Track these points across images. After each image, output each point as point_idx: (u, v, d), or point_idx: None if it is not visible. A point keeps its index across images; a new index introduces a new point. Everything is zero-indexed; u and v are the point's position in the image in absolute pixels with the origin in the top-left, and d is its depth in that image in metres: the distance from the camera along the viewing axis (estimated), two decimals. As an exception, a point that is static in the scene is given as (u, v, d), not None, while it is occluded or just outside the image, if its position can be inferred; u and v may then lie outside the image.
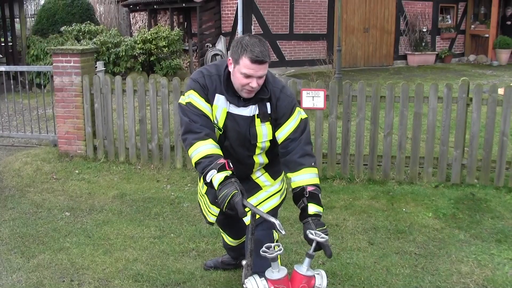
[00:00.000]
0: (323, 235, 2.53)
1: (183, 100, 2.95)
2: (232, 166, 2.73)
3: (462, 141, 5.96)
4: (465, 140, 6.00)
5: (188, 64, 14.01)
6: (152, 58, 12.60)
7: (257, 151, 3.04)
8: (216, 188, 2.68)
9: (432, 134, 5.97)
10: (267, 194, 3.19)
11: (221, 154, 2.81)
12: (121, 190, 5.78)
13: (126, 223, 4.87)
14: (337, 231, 4.72)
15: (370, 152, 6.16)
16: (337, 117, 6.22)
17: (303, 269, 2.50)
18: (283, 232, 2.44)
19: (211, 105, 2.92)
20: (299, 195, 2.79)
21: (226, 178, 2.66)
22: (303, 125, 2.92)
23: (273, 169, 3.22)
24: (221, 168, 2.69)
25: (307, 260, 2.51)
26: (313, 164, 2.86)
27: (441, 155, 6.01)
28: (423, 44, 17.32)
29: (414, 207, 5.36)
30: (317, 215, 2.73)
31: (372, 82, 7.28)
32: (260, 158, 3.10)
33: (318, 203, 2.78)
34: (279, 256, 3.04)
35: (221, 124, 2.95)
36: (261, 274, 2.49)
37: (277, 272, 2.47)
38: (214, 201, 3.30)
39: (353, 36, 16.02)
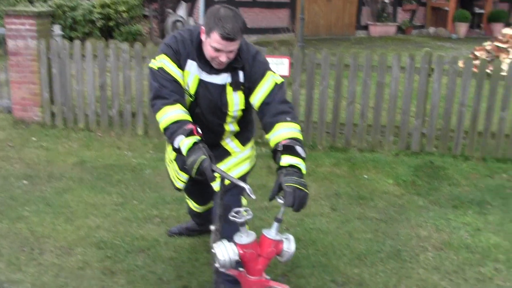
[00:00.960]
0: (281, 201, 2.48)
1: (154, 64, 2.87)
2: (200, 132, 2.68)
3: (423, 110, 6.06)
4: (425, 109, 6.10)
5: (148, 30, 13.72)
6: (111, 24, 12.26)
7: (229, 119, 3.00)
8: (184, 154, 2.63)
9: (394, 104, 6.05)
10: (237, 161, 3.17)
11: (190, 119, 2.76)
12: (81, 157, 5.66)
13: (87, 190, 4.79)
14: (300, 197, 4.75)
15: (332, 120, 6.20)
16: (300, 85, 6.23)
17: (271, 233, 2.50)
18: (253, 197, 2.43)
19: (183, 71, 2.86)
20: (275, 152, 2.66)
21: (195, 144, 2.62)
22: (277, 88, 2.84)
23: (243, 135, 3.19)
24: (189, 134, 2.64)
25: (275, 224, 2.51)
26: (288, 119, 2.74)
27: (402, 124, 6.11)
28: (385, 15, 17.43)
29: (375, 174, 5.45)
30: (292, 166, 2.54)
31: (334, 51, 7.29)
32: (231, 126, 3.06)
33: (294, 154, 2.58)
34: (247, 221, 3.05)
35: (192, 91, 2.90)
36: (230, 239, 2.48)
37: (245, 236, 2.46)
38: (183, 168, 3.26)
39: (316, 5, 15.97)
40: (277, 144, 2.66)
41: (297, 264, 3.61)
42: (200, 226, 3.92)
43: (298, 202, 2.44)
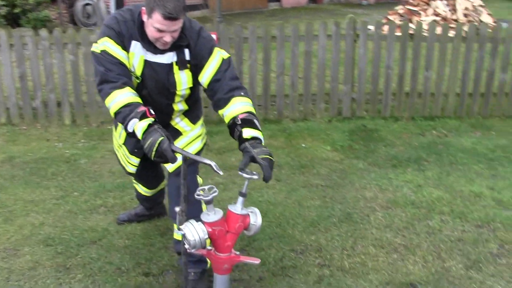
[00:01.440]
0: (255, 176, 2.46)
1: (96, 48, 2.75)
2: (153, 113, 2.62)
3: (351, 76, 6.21)
4: (353, 75, 6.25)
5: (57, 15, 13.09)
6: (16, 10, 11.57)
7: (177, 99, 2.95)
8: (140, 137, 2.56)
9: (323, 72, 6.15)
10: (188, 140, 3.12)
11: (141, 102, 2.69)
12: (8, 153, 5.35)
13: (21, 187, 4.54)
14: (244, 172, 4.76)
15: (263, 92, 6.23)
16: (229, 60, 6.18)
17: (237, 208, 2.48)
18: (221, 173, 2.39)
19: (128, 53, 2.76)
20: (233, 126, 2.63)
21: (149, 126, 2.55)
22: (226, 64, 2.79)
23: (192, 114, 3.14)
24: (142, 116, 2.57)
25: (240, 199, 2.49)
26: (242, 93, 2.73)
27: (332, 91, 6.24)
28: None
29: (311, 142, 5.55)
30: (255, 138, 2.53)
31: (258, 24, 7.29)
32: (179, 105, 3.01)
33: (254, 127, 2.58)
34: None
35: (139, 73, 2.81)
36: (197, 219, 2.44)
37: (213, 214, 2.42)
38: (133, 151, 3.20)
39: (227, -20, 15.84)
40: (235, 118, 2.63)
41: (253, 237, 3.62)
42: (149, 211, 3.85)
43: (272, 171, 2.44)
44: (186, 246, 2.42)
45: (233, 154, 5.22)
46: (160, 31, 2.62)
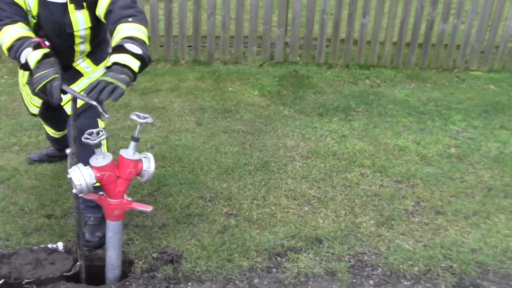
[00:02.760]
0: (148, 120, 2.23)
1: None
2: (48, 44, 2.39)
3: (285, 19, 5.96)
4: (287, 18, 6.01)
5: None
6: None
7: (77, 40, 2.71)
8: (32, 67, 2.31)
9: (255, 13, 5.87)
10: (89, 81, 2.86)
11: (34, 36, 2.47)
12: None
13: None
14: (164, 113, 4.51)
15: (193, 33, 5.93)
16: (159, -2, 5.85)
17: (129, 153, 2.28)
18: (107, 116, 2.14)
19: None
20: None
21: (45, 56, 2.31)
22: None
23: (96, 55, 2.89)
24: (36, 46, 2.34)
25: (132, 143, 2.28)
26: (130, 19, 2.40)
27: (264, 34, 5.98)
28: None
29: (240, 86, 5.33)
30: (116, 64, 2.19)
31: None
32: (81, 47, 2.78)
33: (122, 51, 2.22)
34: (105, 142, 2.79)
35: (34, 12, 2.58)
36: (87, 163, 2.24)
37: (102, 158, 2.22)
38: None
39: None
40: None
41: (163, 182, 3.43)
42: (60, 152, 3.66)
43: (97, 90, 2.08)
44: (74, 190, 2.24)
45: (157, 95, 4.96)
46: None
